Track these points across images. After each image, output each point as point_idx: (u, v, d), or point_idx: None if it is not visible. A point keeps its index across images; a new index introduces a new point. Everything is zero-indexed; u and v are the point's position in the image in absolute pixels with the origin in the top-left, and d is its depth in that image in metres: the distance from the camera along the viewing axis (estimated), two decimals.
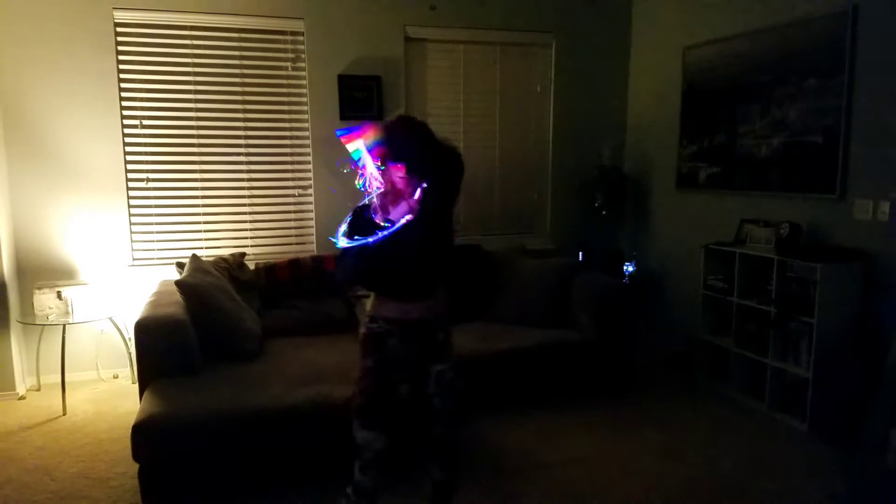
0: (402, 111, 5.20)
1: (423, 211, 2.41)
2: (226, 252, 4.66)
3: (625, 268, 5.50)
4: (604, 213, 5.59)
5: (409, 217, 2.39)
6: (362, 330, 2.62)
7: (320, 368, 3.54)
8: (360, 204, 2.55)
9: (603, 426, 3.97)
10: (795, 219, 4.15)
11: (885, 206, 3.74)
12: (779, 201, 4.41)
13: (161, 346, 3.39)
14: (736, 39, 4.68)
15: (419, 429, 2.62)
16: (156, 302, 3.77)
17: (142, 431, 2.93)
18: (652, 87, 5.64)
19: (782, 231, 4.16)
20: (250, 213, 5.04)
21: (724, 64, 4.80)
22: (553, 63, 5.63)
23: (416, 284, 2.55)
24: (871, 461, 3.51)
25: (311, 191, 5.13)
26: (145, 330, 3.41)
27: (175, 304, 3.66)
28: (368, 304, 2.65)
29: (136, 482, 3.03)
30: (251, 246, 5.00)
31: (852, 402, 3.71)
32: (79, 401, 4.35)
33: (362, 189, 2.51)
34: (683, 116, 5.21)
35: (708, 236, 4.75)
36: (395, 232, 2.37)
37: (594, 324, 4.42)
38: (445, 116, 5.44)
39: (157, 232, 4.86)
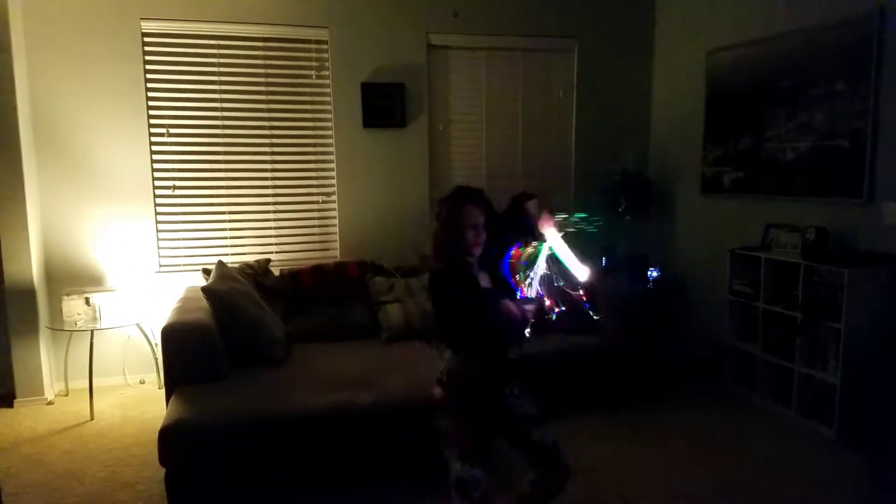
0: (425, 118, 5.23)
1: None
2: (251, 258, 4.70)
3: (649, 273, 5.46)
4: (627, 218, 5.56)
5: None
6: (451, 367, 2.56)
7: (345, 374, 3.55)
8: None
9: (627, 433, 3.94)
10: (822, 223, 4.10)
11: None
12: (805, 206, 4.35)
13: (187, 352, 3.42)
14: (760, 43, 4.64)
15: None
16: (182, 308, 3.81)
17: (168, 436, 2.96)
18: (676, 92, 5.61)
19: (809, 236, 4.11)
20: (275, 220, 5.09)
21: (749, 68, 4.76)
22: (576, 68, 5.62)
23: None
24: None
25: (334, 197, 5.16)
26: (172, 335, 3.44)
27: (201, 311, 3.69)
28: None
29: (162, 487, 3.05)
30: (276, 252, 5.04)
31: (881, 408, 3.64)
32: (106, 406, 4.41)
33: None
34: (708, 120, 5.18)
35: (733, 241, 4.70)
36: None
37: (618, 330, 4.39)
38: (468, 122, 5.46)
39: (184, 239, 4.92)
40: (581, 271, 2.37)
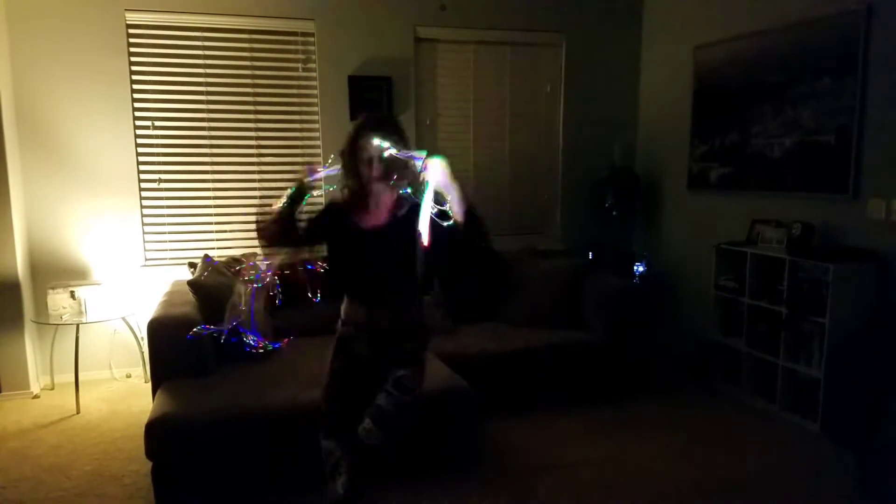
0: (412, 112, 5.22)
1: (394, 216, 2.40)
2: (238, 252, 4.68)
3: (635, 268, 5.49)
4: (614, 213, 5.57)
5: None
6: (336, 335, 2.56)
7: None
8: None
9: (612, 427, 3.96)
10: (808, 219, 4.13)
11: None
12: (791, 201, 4.38)
13: (174, 346, 3.41)
14: (748, 39, 4.65)
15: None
16: (168, 302, 3.80)
17: (155, 430, 2.96)
18: (663, 87, 5.62)
19: (794, 231, 4.14)
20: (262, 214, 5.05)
21: (736, 63, 4.78)
22: (563, 63, 5.63)
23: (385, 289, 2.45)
24: (883, 463, 3.49)
25: (321, 191, 5.13)
26: (158, 329, 3.44)
27: (188, 304, 3.68)
28: (342, 307, 2.56)
29: (149, 480, 3.05)
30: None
31: (865, 403, 3.68)
32: (92, 400, 4.39)
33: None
34: (695, 116, 5.20)
35: (719, 236, 4.73)
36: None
37: (604, 325, 4.42)
38: (455, 116, 5.45)
39: (170, 232, 4.89)
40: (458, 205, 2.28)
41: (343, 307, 2.54)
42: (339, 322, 2.56)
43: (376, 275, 2.43)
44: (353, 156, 2.41)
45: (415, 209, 2.26)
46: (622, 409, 4.22)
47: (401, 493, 3.14)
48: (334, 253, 2.51)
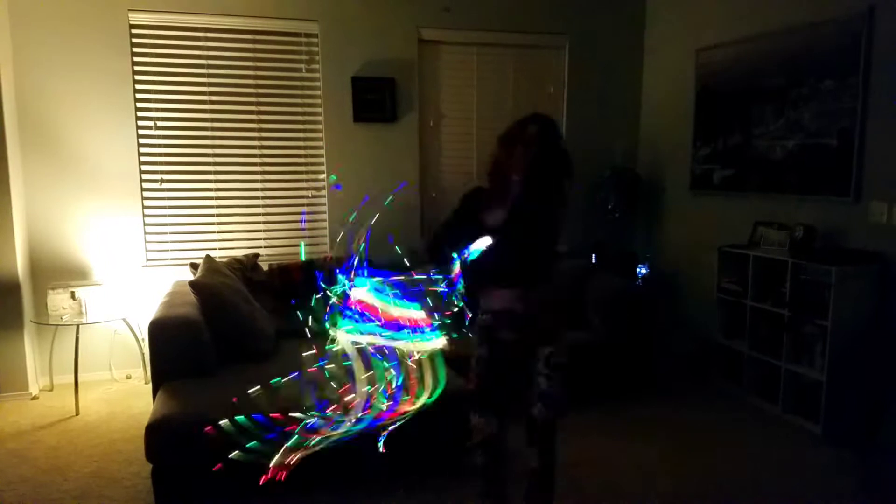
0: (415, 113, 5.21)
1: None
2: (239, 253, 4.67)
3: (638, 270, 5.48)
4: (617, 214, 5.57)
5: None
6: (477, 322, 2.65)
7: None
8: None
9: (614, 428, 3.95)
10: (810, 221, 4.13)
11: None
12: (793, 204, 4.38)
13: (175, 347, 3.40)
14: (750, 42, 4.65)
15: (520, 411, 2.61)
16: (170, 302, 3.79)
17: (156, 431, 2.94)
18: (665, 89, 5.62)
19: (797, 233, 4.13)
20: (264, 214, 5.06)
21: (739, 65, 4.78)
22: (566, 64, 5.62)
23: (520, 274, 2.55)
24: (886, 464, 3.49)
25: (324, 192, 5.14)
26: (159, 330, 3.42)
27: (189, 305, 3.66)
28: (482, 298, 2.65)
29: (149, 482, 3.03)
30: (265, 247, 5.01)
31: (867, 404, 3.68)
32: (92, 401, 4.37)
33: None
34: (697, 118, 5.19)
35: (722, 238, 4.72)
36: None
37: (607, 326, 4.41)
38: (459, 118, 5.45)
39: (172, 233, 4.89)
40: None
41: (482, 298, 2.63)
42: (480, 312, 2.64)
43: (519, 258, 2.52)
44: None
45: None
46: (625, 410, 4.21)
47: (400, 493, 3.13)
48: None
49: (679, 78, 5.37)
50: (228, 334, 3.66)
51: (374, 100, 5.06)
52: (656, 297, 5.37)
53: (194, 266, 4.24)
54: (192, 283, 3.77)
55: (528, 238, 2.49)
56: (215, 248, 4.87)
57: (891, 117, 3.76)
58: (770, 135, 4.51)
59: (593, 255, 5.52)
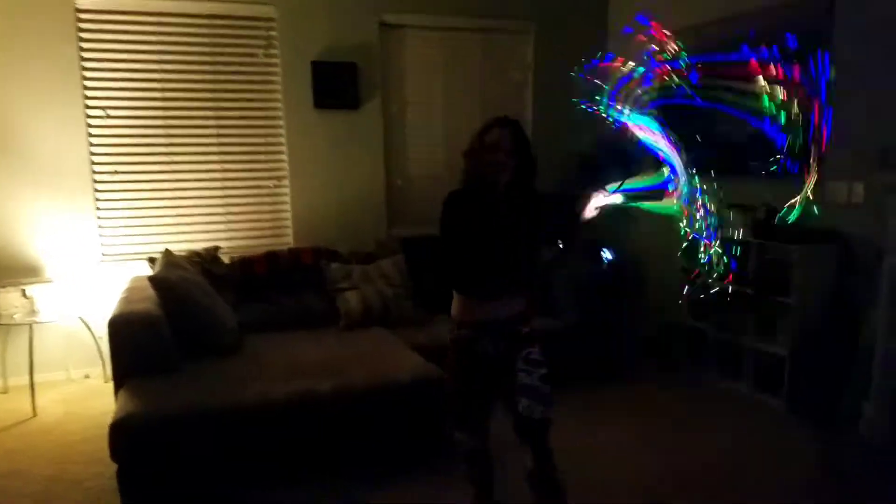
0: (378, 100, 5.13)
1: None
2: (199, 246, 4.54)
3: (603, 254, 5.48)
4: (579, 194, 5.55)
5: None
6: (450, 336, 2.56)
7: (301, 363, 3.48)
8: None
9: (582, 413, 3.95)
10: (772, 202, 4.17)
11: (859, 188, 3.78)
12: (756, 185, 4.41)
13: (135, 343, 3.30)
14: (713, 25, 4.66)
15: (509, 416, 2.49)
16: (128, 298, 3.67)
17: (120, 430, 2.85)
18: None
19: (759, 214, 4.18)
20: (224, 206, 4.93)
21: (702, 49, 4.79)
22: (532, 50, 5.57)
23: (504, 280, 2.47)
24: (845, 434, 3.58)
25: (286, 181, 5.03)
26: (119, 327, 3.31)
27: (148, 301, 3.55)
28: (453, 307, 2.54)
29: (112, 483, 2.93)
30: (225, 239, 4.88)
31: (829, 379, 3.77)
32: (49, 402, 4.22)
33: None
34: (662, 102, 5.19)
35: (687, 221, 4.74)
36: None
37: (573, 311, 4.42)
38: (424, 105, 5.36)
39: (128, 227, 4.73)
40: None
41: (456, 309, 2.52)
42: (454, 326, 2.53)
43: (498, 265, 2.44)
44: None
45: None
46: (592, 395, 4.22)
47: (373, 484, 3.10)
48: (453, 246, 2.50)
49: (644, 62, 5.35)
50: (190, 329, 3.57)
51: (335, 86, 4.94)
52: (622, 280, 5.39)
53: (152, 260, 4.12)
54: (151, 279, 3.66)
55: (511, 241, 2.42)
56: (174, 242, 4.69)
57: (850, 98, 3.81)
58: (733, 118, 4.53)
59: (560, 242, 5.50)
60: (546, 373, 2.45)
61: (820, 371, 3.81)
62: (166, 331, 3.40)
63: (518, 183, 2.46)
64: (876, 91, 3.70)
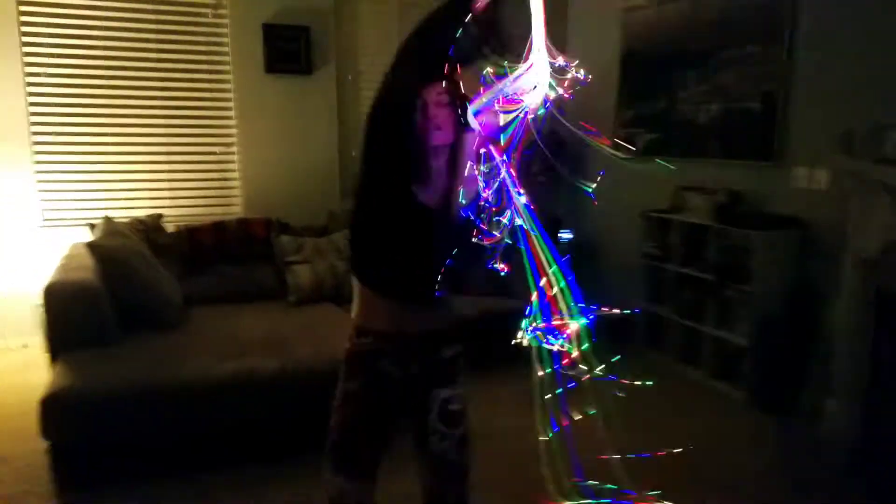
0: (332, 67, 4.96)
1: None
2: (143, 213, 4.34)
3: (561, 236, 5.43)
4: (541, 179, 5.48)
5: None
6: (346, 345, 1.91)
7: (247, 339, 3.35)
8: None
9: (530, 398, 3.88)
10: (734, 186, 4.14)
11: (822, 175, 3.76)
12: (717, 168, 4.39)
13: (72, 315, 3.15)
14: (675, 2, 4.60)
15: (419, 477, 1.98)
16: (66, 266, 3.48)
17: (51, 406, 2.72)
18: (590, 50, 5.52)
19: (720, 198, 4.14)
20: (168, 171, 4.73)
21: (664, 27, 4.73)
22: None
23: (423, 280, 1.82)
24: (806, 431, 3.55)
25: (234, 148, 4.84)
26: (55, 296, 3.15)
27: (87, 269, 3.37)
28: (353, 307, 1.92)
29: (46, 461, 2.81)
30: (170, 207, 4.67)
31: (789, 370, 3.74)
32: None
33: None
34: (622, 81, 5.13)
35: (647, 203, 4.70)
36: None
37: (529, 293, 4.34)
38: (379, 74, 5.16)
39: (70, 191, 4.51)
40: None
41: (357, 310, 1.90)
42: (353, 332, 1.89)
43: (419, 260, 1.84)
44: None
45: None
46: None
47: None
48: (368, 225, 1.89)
49: (604, 40, 5.28)
50: (131, 301, 3.41)
51: (287, 50, 4.76)
52: (580, 262, 5.34)
53: (93, 227, 3.92)
54: (89, 245, 3.48)
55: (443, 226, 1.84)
56: (118, 209, 4.50)
57: (815, 81, 3.78)
58: (694, 99, 4.49)
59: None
60: (464, 435, 1.93)
61: (781, 362, 3.74)
62: (105, 302, 3.25)
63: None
64: (840, 75, 3.65)
